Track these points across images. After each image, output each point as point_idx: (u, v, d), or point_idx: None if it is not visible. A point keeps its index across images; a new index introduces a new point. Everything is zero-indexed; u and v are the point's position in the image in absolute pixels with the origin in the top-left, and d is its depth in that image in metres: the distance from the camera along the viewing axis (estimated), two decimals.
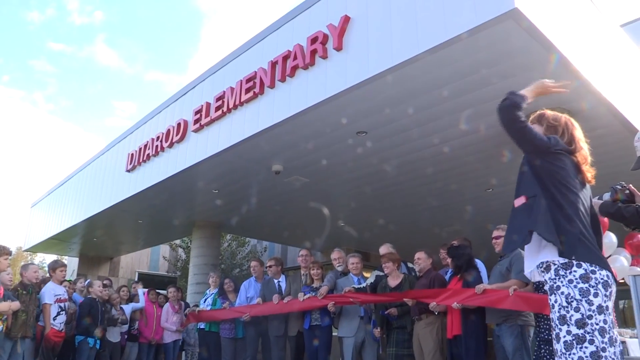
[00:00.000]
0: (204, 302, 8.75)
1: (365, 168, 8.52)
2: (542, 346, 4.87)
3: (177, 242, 17.19)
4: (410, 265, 7.03)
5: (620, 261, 8.83)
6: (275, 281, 7.97)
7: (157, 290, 9.88)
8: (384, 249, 6.98)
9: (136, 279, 18.36)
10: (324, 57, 6.43)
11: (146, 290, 9.65)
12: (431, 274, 6.34)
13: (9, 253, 6.05)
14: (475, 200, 9.91)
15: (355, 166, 8.42)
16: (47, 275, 8.12)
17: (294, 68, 6.81)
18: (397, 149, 7.76)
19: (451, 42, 5.14)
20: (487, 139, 7.27)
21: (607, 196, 3.50)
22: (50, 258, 23.95)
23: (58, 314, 7.25)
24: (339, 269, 7.35)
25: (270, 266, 8.08)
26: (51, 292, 7.23)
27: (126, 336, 8.74)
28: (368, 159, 8.11)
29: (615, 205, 3.29)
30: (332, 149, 7.83)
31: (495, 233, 5.65)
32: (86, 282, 8.59)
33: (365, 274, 7.27)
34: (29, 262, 13.29)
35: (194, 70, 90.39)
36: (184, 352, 10.08)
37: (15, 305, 6.15)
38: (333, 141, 7.55)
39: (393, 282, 6.58)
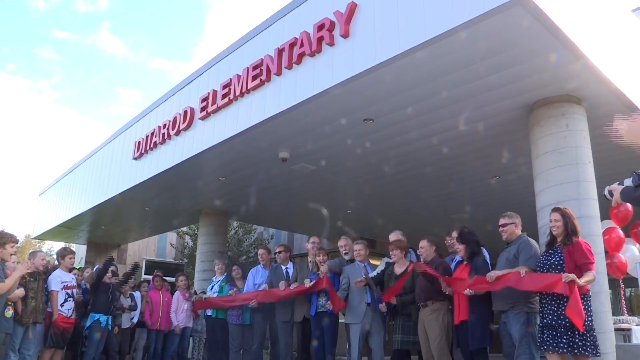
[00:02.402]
0: (211, 289, 8.81)
1: (373, 155, 8.51)
2: (545, 331, 4.88)
3: (184, 229, 17.26)
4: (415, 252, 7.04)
5: (632, 250, 8.87)
6: (283, 267, 7.99)
7: (164, 278, 9.92)
8: (393, 236, 6.97)
9: (144, 266, 18.53)
10: (331, 44, 6.40)
11: (151, 276, 9.71)
12: (436, 261, 6.33)
13: (15, 241, 6.07)
14: (482, 187, 9.89)
15: (363, 154, 8.41)
16: (56, 262, 8.20)
17: (301, 55, 6.79)
18: (404, 136, 7.74)
19: (459, 29, 5.11)
20: (495, 126, 7.26)
21: (628, 181, 3.45)
22: (58, 246, 24.13)
23: (65, 300, 7.30)
24: (346, 256, 7.37)
25: (279, 252, 8.11)
26: (58, 280, 7.28)
27: (134, 322, 8.79)
28: (375, 146, 8.10)
29: (638, 191, 3.26)
30: (338, 137, 7.82)
31: (502, 221, 5.63)
32: (95, 269, 8.64)
33: (374, 262, 7.28)
34: (37, 249, 13.37)
35: (198, 58, 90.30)
36: (191, 339, 10.15)
37: (20, 292, 6.18)
38: (340, 128, 7.53)
39: (399, 269, 6.59)
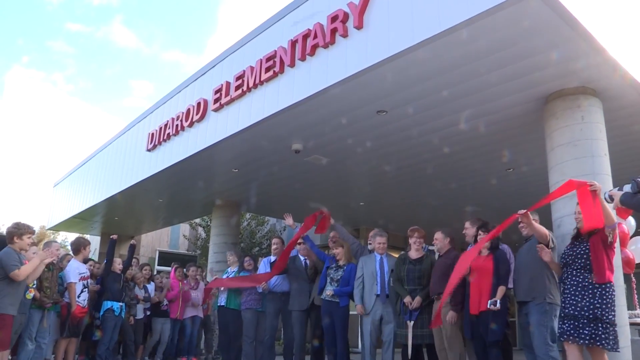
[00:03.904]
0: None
1: (386, 147, 8.48)
2: (566, 321, 4.84)
3: (197, 220, 17.34)
4: (430, 247, 7.03)
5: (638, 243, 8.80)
6: (302, 258, 8.04)
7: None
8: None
9: (157, 258, 18.65)
10: (345, 35, 6.38)
11: (173, 267, 9.78)
12: (452, 253, 6.31)
13: (32, 232, 6.15)
14: (496, 179, 9.83)
15: (376, 145, 8.39)
16: (69, 253, 8.29)
17: (314, 47, 6.77)
18: (417, 128, 7.71)
19: (473, 21, 5.07)
20: (510, 118, 7.21)
21: (627, 187, 3.71)
22: (72, 237, 24.35)
23: (82, 291, 7.40)
24: (369, 247, 7.40)
25: (301, 244, 8.16)
26: (75, 271, 7.37)
27: (148, 312, 8.86)
28: (388, 138, 8.07)
29: (636, 197, 3.51)
30: (352, 128, 7.81)
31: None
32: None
33: (394, 254, 7.26)
34: (52, 240, 13.54)
35: (211, 50, 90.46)
36: (203, 329, 10.21)
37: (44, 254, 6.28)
38: (353, 120, 7.52)
39: (415, 255, 6.57)
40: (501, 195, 10.67)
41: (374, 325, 6.78)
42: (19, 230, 6.01)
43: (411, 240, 6.71)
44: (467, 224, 6.43)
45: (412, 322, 6.32)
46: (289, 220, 7.89)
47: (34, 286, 6.50)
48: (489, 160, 8.91)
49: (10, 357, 6.62)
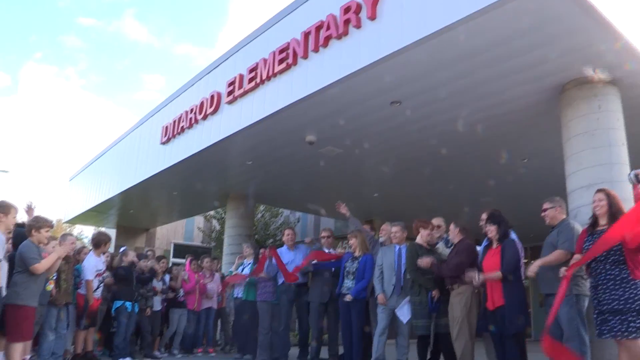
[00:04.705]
0: (242, 272, 8.95)
1: (400, 138, 8.46)
2: (611, 317, 4.68)
3: (211, 213, 17.42)
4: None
5: None
6: (326, 250, 8.09)
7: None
8: (437, 221, 6.93)
9: (172, 250, 18.77)
10: (358, 26, 6.35)
11: (188, 259, 9.84)
12: (463, 242, 6.26)
13: (51, 226, 6.19)
14: (511, 169, 9.75)
15: (389, 136, 8.37)
16: (86, 246, 8.37)
17: (327, 38, 6.75)
18: (432, 119, 7.68)
19: (489, 9, 5.02)
20: (525, 108, 7.14)
21: None
22: (88, 230, 24.59)
23: (97, 287, 7.48)
24: (380, 239, 7.41)
25: (327, 237, 8.20)
26: (93, 268, 7.44)
27: (165, 304, 8.93)
28: (402, 129, 8.05)
29: None
30: (366, 120, 7.79)
31: (544, 205, 5.58)
32: (121, 250, 8.77)
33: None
34: (67, 233, 13.71)
35: (222, 43, 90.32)
36: (219, 320, 10.27)
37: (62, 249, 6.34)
38: (367, 112, 7.50)
39: (428, 244, 6.56)
40: (516, 185, 10.60)
41: (389, 316, 6.79)
42: (37, 223, 6.07)
43: (424, 232, 6.66)
44: (484, 215, 6.39)
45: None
46: (343, 209, 7.79)
47: (54, 278, 6.64)
48: (503, 151, 8.84)
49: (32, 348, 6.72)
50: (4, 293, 5.49)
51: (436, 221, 6.87)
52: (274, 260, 8.04)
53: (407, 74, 6.39)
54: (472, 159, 9.37)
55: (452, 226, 6.41)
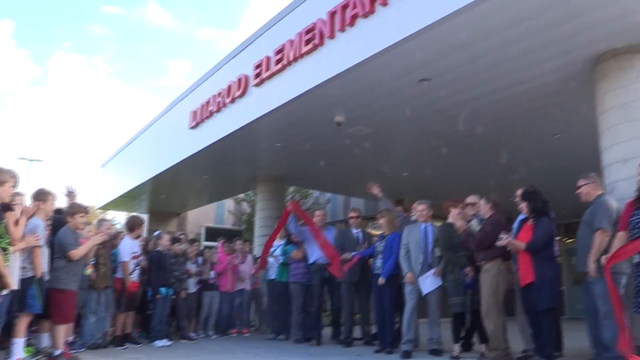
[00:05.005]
0: (273, 253, 9.05)
1: (429, 116, 8.38)
2: None
3: (241, 196, 17.55)
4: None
5: None
6: (355, 231, 8.12)
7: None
8: (471, 199, 6.88)
9: (203, 233, 19.00)
10: (384, 4, 6.28)
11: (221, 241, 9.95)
12: (493, 217, 6.21)
13: (85, 211, 6.34)
14: (543, 145, 9.60)
15: (419, 114, 8.28)
16: (122, 231, 8.53)
17: (354, 17, 6.69)
18: (461, 96, 7.56)
19: None
20: (557, 82, 7.00)
21: None
22: (120, 215, 25.00)
23: (134, 269, 7.63)
24: (413, 218, 7.41)
25: (356, 217, 8.25)
26: (128, 250, 7.59)
27: (200, 286, 9.06)
28: (431, 106, 7.96)
29: None
30: (394, 98, 7.72)
31: (578, 182, 5.50)
32: (155, 233, 8.89)
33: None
34: (104, 218, 13.96)
35: (246, 26, 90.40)
36: (253, 301, 10.39)
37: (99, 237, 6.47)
38: (395, 90, 7.43)
39: (460, 223, 6.53)
40: (548, 161, 10.43)
41: (417, 293, 6.79)
42: (71, 209, 6.23)
43: (455, 211, 6.61)
44: (519, 192, 6.33)
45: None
46: (374, 189, 7.80)
47: (92, 262, 6.85)
48: (535, 126, 8.70)
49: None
50: (46, 278, 5.66)
51: (470, 199, 6.81)
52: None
53: (436, 51, 6.30)
54: (503, 136, 9.23)
55: (483, 202, 6.37)
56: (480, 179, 11.26)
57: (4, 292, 4.62)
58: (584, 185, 5.47)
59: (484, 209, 6.33)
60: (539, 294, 5.51)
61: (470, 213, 6.65)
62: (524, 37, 5.92)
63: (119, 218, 25.15)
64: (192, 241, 9.31)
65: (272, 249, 9.09)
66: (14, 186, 4.84)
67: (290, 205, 8.60)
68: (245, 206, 18.06)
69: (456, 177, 11.73)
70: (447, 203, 6.64)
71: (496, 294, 5.93)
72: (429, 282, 6.70)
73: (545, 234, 5.65)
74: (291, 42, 7.76)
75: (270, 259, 9.13)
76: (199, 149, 10.38)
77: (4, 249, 4.58)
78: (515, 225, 6.21)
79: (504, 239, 5.58)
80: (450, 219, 6.51)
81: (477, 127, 8.71)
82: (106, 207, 18.34)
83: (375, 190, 7.75)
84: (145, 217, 18.26)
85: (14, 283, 4.84)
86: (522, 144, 9.59)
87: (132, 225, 7.90)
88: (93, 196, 17.78)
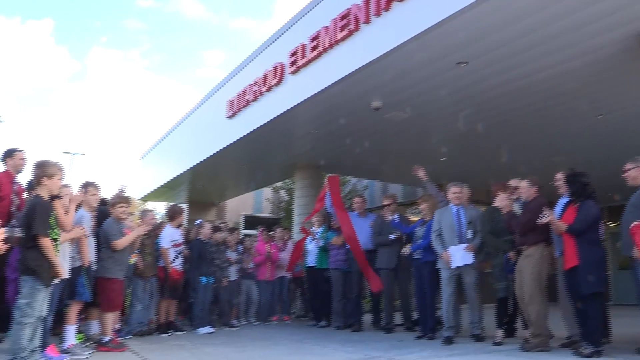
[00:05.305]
0: (312, 240, 9.10)
1: (467, 99, 8.23)
2: None
3: (279, 184, 17.63)
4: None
5: None
6: (391, 217, 8.10)
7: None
8: (514, 183, 6.78)
9: (242, 222, 19.19)
10: None
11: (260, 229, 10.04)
12: (536, 200, 6.09)
13: (125, 202, 6.45)
14: (585, 126, 9.36)
15: (457, 98, 8.15)
16: (163, 221, 8.68)
17: (389, 1, 6.61)
18: (501, 77, 7.40)
19: None
20: (602, 60, 6.78)
21: None
22: (160, 206, 25.45)
23: (176, 257, 7.76)
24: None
25: (390, 204, 8.24)
26: (168, 238, 7.73)
27: (240, 274, 9.16)
28: (470, 89, 7.82)
29: None
30: (432, 82, 7.62)
31: (625, 166, 5.37)
32: (197, 222, 9.01)
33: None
34: (147, 209, 14.26)
35: (279, 15, 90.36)
36: (299, 289, 10.46)
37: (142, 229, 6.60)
38: (432, 74, 7.33)
39: (504, 207, 6.44)
40: (591, 144, 10.17)
41: (454, 279, 6.74)
42: (112, 200, 6.40)
43: (503, 195, 6.49)
44: (560, 175, 6.20)
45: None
46: (420, 172, 7.76)
47: (137, 251, 7.03)
48: (577, 107, 8.45)
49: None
50: (94, 267, 5.82)
51: (514, 182, 6.70)
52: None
53: (474, 32, 6.17)
54: (543, 118, 9.01)
55: (526, 184, 6.24)
56: (520, 162, 11.06)
57: (56, 281, 4.75)
58: (632, 169, 5.36)
59: (528, 191, 6.20)
60: (584, 277, 5.40)
61: (513, 197, 6.54)
62: (566, 14, 5.72)
63: (159, 209, 25.62)
64: (232, 230, 9.41)
65: (310, 237, 9.17)
66: (62, 179, 4.96)
67: (329, 178, 8.54)
68: (283, 194, 18.15)
69: (496, 160, 11.53)
70: (495, 187, 6.52)
71: (540, 279, 5.83)
72: (459, 256, 6.61)
73: (589, 217, 5.53)
74: (326, 28, 7.73)
75: (310, 246, 9.19)
76: (237, 138, 10.46)
77: (55, 240, 4.71)
78: (559, 208, 6.09)
79: (545, 216, 5.49)
80: (496, 203, 6.40)
81: (515, 109, 8.55)
82: (146, 198, 18.66)
83: (421, 173, 7.70)
84: (184, 207, 18.55)
85: (64, 272, 4.98)
86: (564, 125, 9.36)
87: (173, 214, 8.04)
88: (133, 188, 18.11)
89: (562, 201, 6.12)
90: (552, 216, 5.55)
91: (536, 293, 5.81)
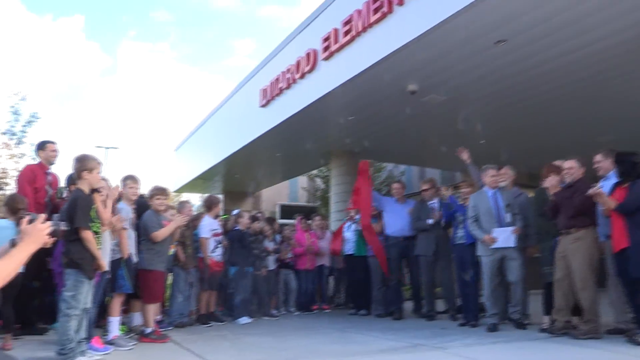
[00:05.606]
0: (349, 228, 9.05)
1: (506, 80, 8.00)
2: None
3: (314, 172, 17.58)
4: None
5: None
6: (430, 203, 7.98)
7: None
8: (569, 164, 6.57)
9: (278, 211, 19.25)
10: None
11: (298, 218, 10.02)
12: (579, 182, 5.88)
13: (162, 193, 6.48)
14: (634, 105, 9.01)
15: (495, 79, 7.94)
16: (201, 212, 8.70)
17: None
18: (541, 55, 7.15)
19: None
20: None
21: None
22: (195, 198, 25.70)
23: (215, 247, 7.78)
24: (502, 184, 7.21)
25: (427, 189, 8.10)
26: (207, 228, 7.75)
27: (278, 264, 9.15)
28: (509, 69, 7.59)
29: None
30: (469, 63, 7.42)
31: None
32: (234, 212, 9.02)
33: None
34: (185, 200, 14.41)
35: (307, 2, 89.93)
36: (332, 278, 10.42)
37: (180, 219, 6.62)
38: (469, 54, 7.13)
39: (553, 189, 6.23)
40: (634, 124, 9.81)
41: (495, 264, 6.57)
42: (150, 192, 6.45)
43: (555, 177, 6.26)
44: (599, 157, 5.97)
45: None
46: (464, 155, 7.59)
47: (176, 243, 7.10)
48: (623, 84, 8.14)
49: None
50: (134, 259, 5.86)
51: (568, 164, 6.46)
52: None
53: (514, 9, 5.96)
54: (584, 98, 8.69)
55: (575, 164, 6.00)
56: (562, 143, 10.75)
57: (98, 273, 4.81)
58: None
59: (577, 171, 5.97)
60: (635, 260, 5.20)
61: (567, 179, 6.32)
62: None
63: (194, 200, 25.89)
64: (270, 220, 9.40)
65: (348, 223, 9.13)
66: (100, 172, 4.99)
67: (361, 164, 8.53)
68: (319, 182, 18.10)
69: (536, 142, 11.24)
70: (548, 168, 6.30)
71: (592, 264, 5.64)
72: (503, 238, 6.45)
73: (635, 196, 5.32)
74: (359, 12, 7.60)
75: (347, 234, 9.13)
76: (271, 127, 10.43)
77: (96, 233, 4.76)
78: (610, 185, 5.85)
79: (593, 189, 5.31)
80: (546, 184, 6.19)
81: (555, 89, 8.28)
82: (181, 189, 18.85)
83: (465, 155, 7.53)
84: (220, 197, 18.67)
85: (106, 264, 5.02)
86: (605, 105, 9.04)
87: (210, 204, 8.06)
88: (168, 180, 18.31)
89: (603, 183, 5.88)
90: (599, 189, 5.35)
91: (589, 277, 5.62)
